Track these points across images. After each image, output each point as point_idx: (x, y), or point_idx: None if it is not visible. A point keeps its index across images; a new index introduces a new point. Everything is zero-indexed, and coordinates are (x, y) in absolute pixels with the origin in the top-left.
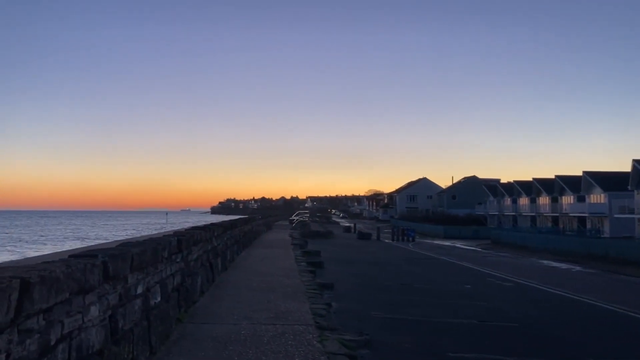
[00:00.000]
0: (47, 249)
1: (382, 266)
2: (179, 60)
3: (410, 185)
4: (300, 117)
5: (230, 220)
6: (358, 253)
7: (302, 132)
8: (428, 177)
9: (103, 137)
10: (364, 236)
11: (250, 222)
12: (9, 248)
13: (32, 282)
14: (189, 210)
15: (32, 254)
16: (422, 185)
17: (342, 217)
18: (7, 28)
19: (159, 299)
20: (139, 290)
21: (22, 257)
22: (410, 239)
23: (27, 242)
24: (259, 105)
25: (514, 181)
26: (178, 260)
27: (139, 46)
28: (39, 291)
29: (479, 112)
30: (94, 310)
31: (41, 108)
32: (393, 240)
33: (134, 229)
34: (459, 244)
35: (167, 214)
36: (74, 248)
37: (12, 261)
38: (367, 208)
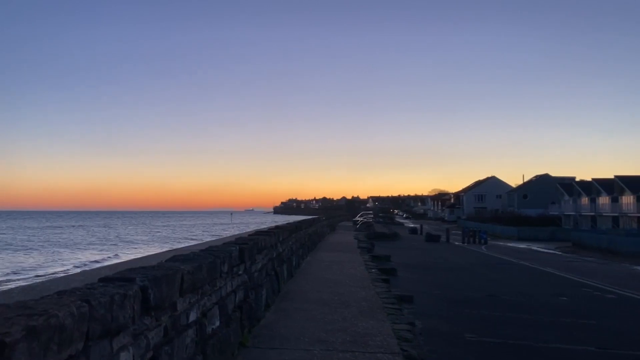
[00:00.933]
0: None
1: (458, 273)
2: (253, 64)
3: (478, 184)
4: (362, 117)
5: (295, 222)
6: (429, 257)
7: (363, 132)
8: (497, 176)
9: (175, 140)
10: (432, 238)
11: (314, 224)
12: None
13: (7, 342)
14: (252, 210)
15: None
16: (490, 184)
17: (406, 218)
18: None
19: (217, 323)
20: (192, 317)
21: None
22: (482, 241)
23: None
24: (321, 107)
25: (593, 179)
26: (240, 272)
27: (219, 47)
28: (23, 352)
29: (548, 107)
30: (126, 357)
31: (126, 111)
32: (464, 242)
33: (205, 230)
34: (535, 247)
35: (231, 214)
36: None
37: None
38: (432, 208)
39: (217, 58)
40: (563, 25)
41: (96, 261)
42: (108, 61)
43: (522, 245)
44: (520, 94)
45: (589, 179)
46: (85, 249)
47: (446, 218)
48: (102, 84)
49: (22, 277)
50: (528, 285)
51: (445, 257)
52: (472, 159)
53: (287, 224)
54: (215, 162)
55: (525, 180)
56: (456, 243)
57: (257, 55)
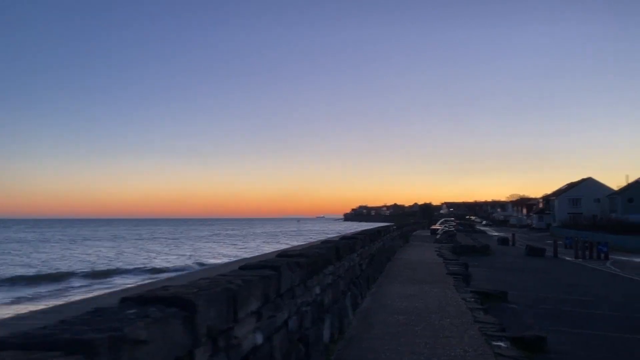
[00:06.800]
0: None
1: (609, 315)
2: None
3: (572, 187)
4: (430, 121)
5: (336, 241)
6: (547, 284)
7: (435, 135)
8: (593, 177)
9: (249, 146)
10: (535, 252)
11: (380, 237)
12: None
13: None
14: (323, 217)
15: None
16: (587, 187)
17: (486, 225)
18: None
19: None
20: None
21: None
22: (603, 255)
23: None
24: (388, 111)
25: None
26: None
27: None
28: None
29: None
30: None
31: (179, 115)
32: (577, 257)
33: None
34: None
35: (298, 221)
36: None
37: None
38: (515, 214)
39: (282, 58)
40: None
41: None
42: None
43: None
44: (611, 88)
45: None
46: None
47: (534, 225)
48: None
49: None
50: None
51: (570, 282)
52: (555, 162)
53: (326, 241)
54: (287, 169)
55: (630, 182)
56: (567, 258)
57: (323, 55)
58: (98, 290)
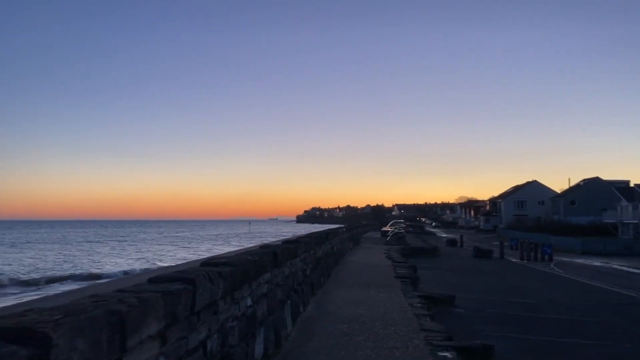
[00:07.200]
0: None
1: (555, 319)
2: (271, 68)
3: (517, 189)
4: (381, 123)
5: (275, 245)
6: (494, 286)
7: (387, 138)
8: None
9: (200, 147)
10: (483, 254)
11: (328, 240)
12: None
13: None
14: (276, 219)
15: None
16: (531, 190)
17: (436, 227)
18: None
19: None
20: None
21: None
22: (547, 257)
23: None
24: (345, 114)
25: None
26: None
27: (235, 48)
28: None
29: (589, 108)
30: None
31: (140, 119)
32: (523, 259)
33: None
34: (616, 265)
35: (249, 223)
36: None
37: None
38: (463, 216)
39: (235, 60)
40: (613, 22)
41: None
42: (120, 65)
43: (597, 263)
44: (554, 95)
45: None
46: None
47: (481, 227)
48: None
49: None
50: None
51: (520, 285)
52: (501, 166)
53: (269, 249)
54: (239, 170)
55: (572, 185)
56: (513, 259)
57: (276, 57)
58: None
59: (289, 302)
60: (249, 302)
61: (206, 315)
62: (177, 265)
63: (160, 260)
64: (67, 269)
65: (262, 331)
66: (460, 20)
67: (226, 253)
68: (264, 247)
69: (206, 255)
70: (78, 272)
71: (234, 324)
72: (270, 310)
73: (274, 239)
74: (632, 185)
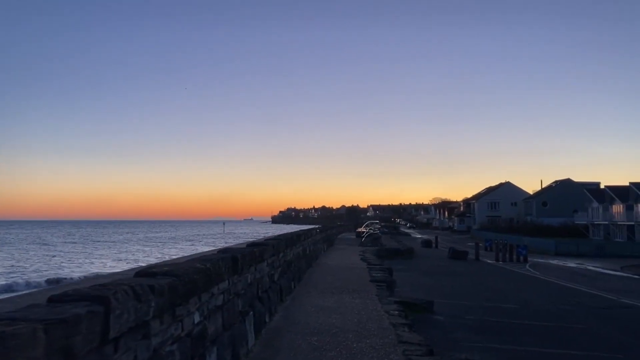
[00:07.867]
0: None
1: (538, 326)
2: (249, 68)
3: (491, 190)
4: (361, 124)
5: (235, 249)
6: (472, 289)
7: (363, 139)
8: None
9: (176, 147)
10: (458, 255)
11: (300, 241)
12: None
13: None
14: (251, 219)
15: None
16: (504, 191)
17: (410, 228)
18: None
19: None
20: None
21: None
22: (522, 258)
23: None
24: (320, 115)
25: (631, 183)
26: None
27: (209, 47)
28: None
29: (562, 111)
30: None
31: (119, 117)
32: (498, 260)
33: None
34: (590, 266)
35: (224, 224)
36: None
37: None
38: (437, 217)
39: (208, 60)
40: (582, 27)
41: None
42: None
43: (572, 264)
44: (527, 97)
45: (627, 183)
46: None
47: (456, 228)
48: (92, 88)
49: None
50: None
51: (497, 287)
52: (474, 167)
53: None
54: (215, 170)
55: (543, 186)
56: (488, 261)
57: (252, 58)
58: None
59: (251, 313)
60: (196, 318)
61: (131, 341)
62: (110, 275)
63: (105, 266)
64: (26, 272)
65: (215, 350)
66: (434, 24)
67: (174, 259)
68: (223, 252)
69: (167, 258)
70: (51, 276)
71: (173, 347)
72: (226, 325)
73: (247, 240)
74: (602, 187)
